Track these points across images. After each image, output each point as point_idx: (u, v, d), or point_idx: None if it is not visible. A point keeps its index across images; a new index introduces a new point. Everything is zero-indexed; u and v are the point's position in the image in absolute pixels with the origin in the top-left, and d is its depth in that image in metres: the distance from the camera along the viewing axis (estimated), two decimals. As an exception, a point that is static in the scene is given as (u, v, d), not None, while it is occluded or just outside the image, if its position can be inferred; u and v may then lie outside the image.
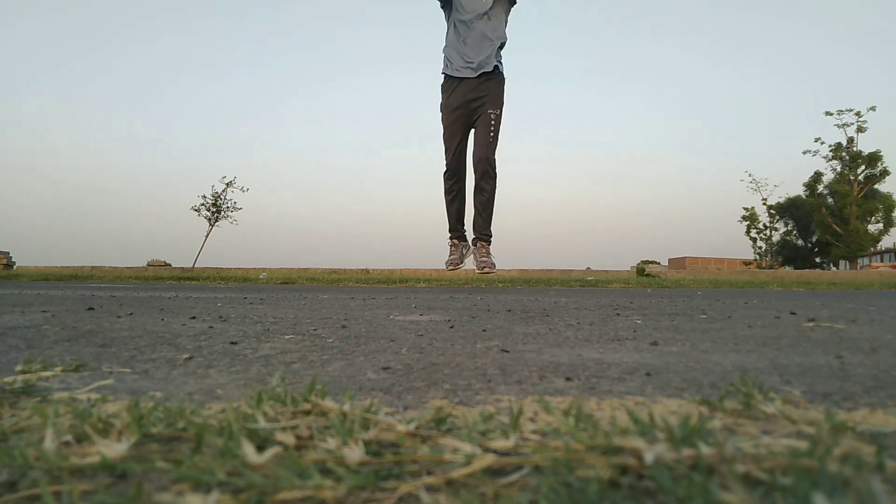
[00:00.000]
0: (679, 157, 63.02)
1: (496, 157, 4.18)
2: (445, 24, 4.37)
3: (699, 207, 55.54)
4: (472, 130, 4.27)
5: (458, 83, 4.22)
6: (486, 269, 4.26)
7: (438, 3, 4.31)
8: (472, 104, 4.19)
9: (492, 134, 4.16)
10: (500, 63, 4.29)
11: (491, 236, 4.33)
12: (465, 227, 4.43)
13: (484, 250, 4.29)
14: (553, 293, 3.52)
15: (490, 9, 4.15)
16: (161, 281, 5.80)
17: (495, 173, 4.18)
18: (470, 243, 4.43)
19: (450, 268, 4.42)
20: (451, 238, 4.48)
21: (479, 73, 4.17)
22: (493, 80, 4.22)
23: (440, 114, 4.34)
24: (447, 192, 4.33)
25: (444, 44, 4.36)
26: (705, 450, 0.41)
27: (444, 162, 4.31)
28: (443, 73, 4.34)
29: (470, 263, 4.50)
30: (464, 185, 4.33)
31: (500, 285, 5.06)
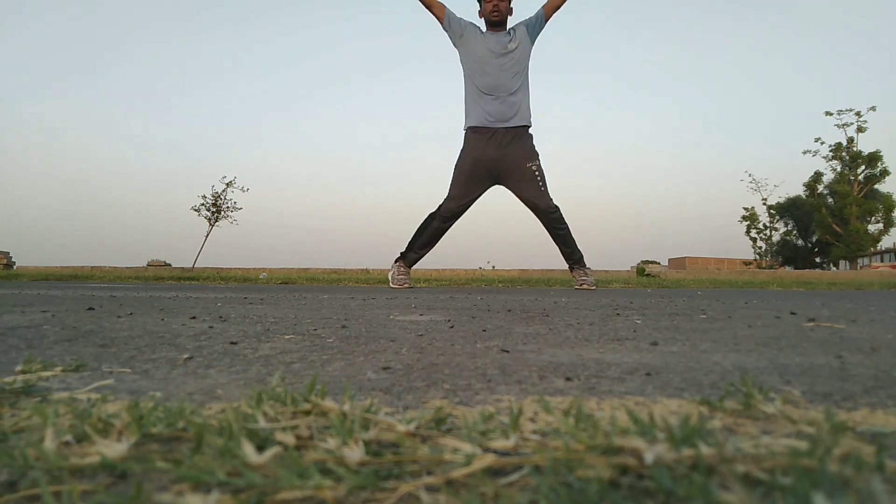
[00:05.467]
0: (679, 157, 63.08)
1: (552, 201, 4.06)
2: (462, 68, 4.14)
3: (699, 207, 55.61)
4: (514, 190, 4.08)
5: (485, 136, 3.99)
6: (591, 287, 4.19)
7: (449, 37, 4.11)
8: (503, 163, 3.98)
9: (541, 185, 4.01)
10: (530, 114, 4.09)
11: (582, 257, 4.25)
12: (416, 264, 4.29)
13: (581, 272, 4.25)
14: (553, 293, 3.52)
15: (513, 49, 3.98)
16: (161, 281, 5.80)
17: (561, 215, 4.10)
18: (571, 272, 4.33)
19: (403, 286, 4.18)
20: (399, 261, 4.25)
21: (510, 124, 3.97)
22: (523, 135, 4.04)
23: (457, 160, 4.10)
24: (434, 230, 4.11)
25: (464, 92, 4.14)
26: (705, 450, 0.41)
27: (443, 205, 4.08)
28: (466, 128, 4.10)
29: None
30: (451, 226, 4.18)
31: (500, 285, 5.06)
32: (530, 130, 4.11)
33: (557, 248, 4.26)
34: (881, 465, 0.38)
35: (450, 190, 4.11)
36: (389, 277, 4.30)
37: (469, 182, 4.06)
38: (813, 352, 1.05)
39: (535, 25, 4.09)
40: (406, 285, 4.20)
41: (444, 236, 4.24)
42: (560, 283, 5.62)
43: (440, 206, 4.15)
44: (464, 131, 4.15)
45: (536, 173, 4.02)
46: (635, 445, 0.41)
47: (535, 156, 4.07)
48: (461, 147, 4.14)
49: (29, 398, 0.66)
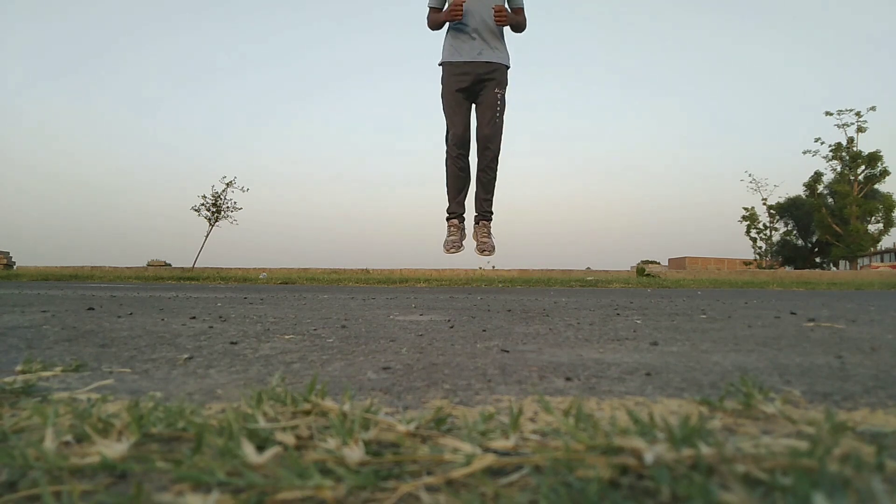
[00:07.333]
0: (679, 157, 63.04)
1: (501, 137, 4.14)
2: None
3: (699, 207, 55.54)
4: (476, 108, 4.17)
5: (462, 66, 4.10)
6: (486, 252, 4.17)
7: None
8: (478, 85, 4.10)
9: (498, 113, 4.12)
10: (507, 53, 4.24)
11: (492, 214, 4.25)
12: (465, 209, 4.28)
13: (485, 230, 4.21)
14: (553, 293, 3.52)
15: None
16: (161, 281, 5.80)
17: (498, 151, 4.15)
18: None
19: (450, 250, 4.19)
20: (450, 219, 4.28)
21: (487, 60, 4.09)
22: (500, 65, 4.16)
23: (440, 86, 4.19)
24: (453, 162, 4.16)
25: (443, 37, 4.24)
26: (705, 450, 0.41)
27: (447, 135, 4.16)
28: (441, 63, 4.20)
29: (467, 246, 4.43)
30: (469, 162, 4.20)
31: (500, 285, 5.06)
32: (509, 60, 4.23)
33: (475, 190, 4.23)
34: (881, 465, 0.38)
35: (448, 119, 4.17)
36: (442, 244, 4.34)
37: (456, 102, 4.11)
38: (813, 352, 1.05)
39: None
40: (455, 249, 4.16)
41: (469, 172, 4.21)
42: (560, 283, 5.62)
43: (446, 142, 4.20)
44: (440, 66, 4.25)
45: (499, 101, 4.11)
46: (635, 445, 0.41)
47: (506, 85, 4.17)
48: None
49: (29, 398, 0.66)
